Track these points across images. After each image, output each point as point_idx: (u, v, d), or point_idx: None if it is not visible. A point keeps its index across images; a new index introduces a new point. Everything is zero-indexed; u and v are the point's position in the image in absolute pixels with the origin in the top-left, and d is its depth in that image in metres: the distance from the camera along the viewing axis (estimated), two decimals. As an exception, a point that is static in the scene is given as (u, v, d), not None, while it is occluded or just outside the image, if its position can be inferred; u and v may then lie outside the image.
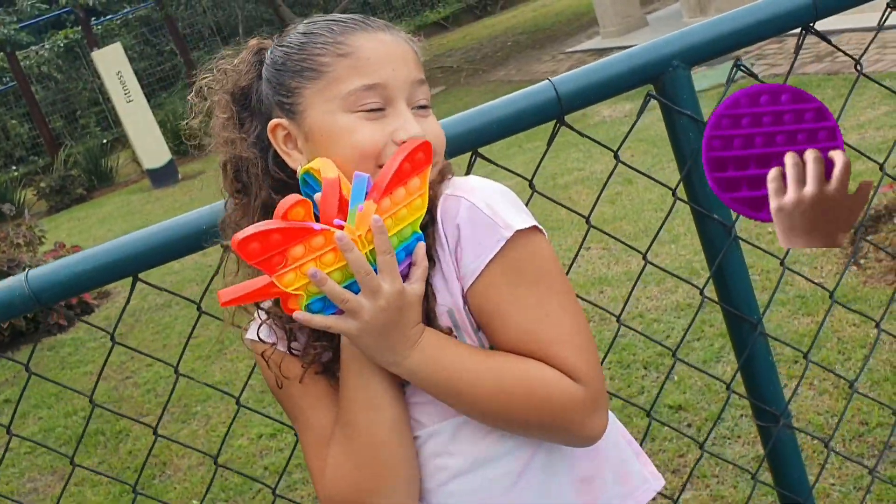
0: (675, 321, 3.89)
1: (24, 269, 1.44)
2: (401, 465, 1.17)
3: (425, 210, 1.12)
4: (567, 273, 1.24)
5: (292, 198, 1.05)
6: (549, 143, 1.46)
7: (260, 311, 1.22)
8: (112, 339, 1.45)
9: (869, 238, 4.15)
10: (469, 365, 1.12)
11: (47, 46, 17.51)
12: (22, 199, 12.99)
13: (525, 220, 1.15)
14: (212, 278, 1.38)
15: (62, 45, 17.63)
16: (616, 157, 1.50)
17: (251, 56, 1.23)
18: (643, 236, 4.88)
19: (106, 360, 1.55)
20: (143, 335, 5.87)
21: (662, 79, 1.44)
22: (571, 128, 1.45)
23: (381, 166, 1.12)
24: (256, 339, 1.23)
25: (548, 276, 1.15)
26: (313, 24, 1.19)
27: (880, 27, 1.54)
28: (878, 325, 1.73)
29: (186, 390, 4.72)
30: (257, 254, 1.03)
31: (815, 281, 3.89)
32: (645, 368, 3.61)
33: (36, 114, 15.26)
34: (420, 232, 1.12)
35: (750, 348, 1.56)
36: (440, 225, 1.15)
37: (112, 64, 11.56)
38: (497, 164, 1.48)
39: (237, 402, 1.59)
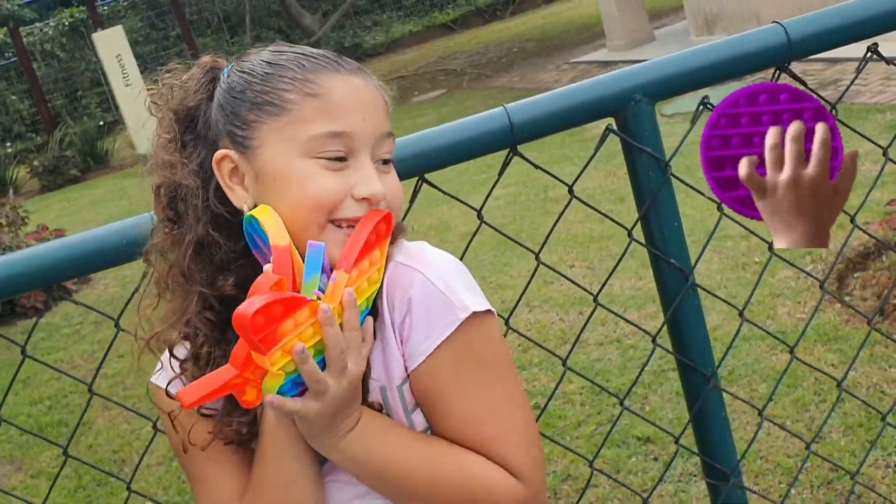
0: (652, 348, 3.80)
1: (2, 250, 1.35)
2: None
3: (380, 284, 1.05)
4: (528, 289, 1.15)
5: (271, 277, 0.97)
6: (501, 173, 1.37)
7: (173, 359, 1.11)
8: (23, 351, 1.37)
9: (856, 275, 4.08)
10: (408, 454, 1.05)
11: (52, 24, 17.42)
12: (14, 177, 12.89)
13: (480, 301, 1.08)
14: (128, 300, 1.29)
15: (67, 23, 17.54)
16: (570, 192, 1.41)
17: (202, 74, 1.12)
18: (629, 258, 4.79)
19: (16, 374, 1.46)
20: (124, 322, 5.77)
21: (624, 113, 1.36)
22: (524, 157, 1.37)
23: (332, 221, 1.04)
24: (164, 391, 1.12)
25: (497, 363, 1.09)
26: (281, 54, 1.10)
27: (859, 71, 1.46)
28: (839, 385, 1.65)
29: (154, 385, 4.63)
30: (261, 328, 0.93)
31: (797, 317, 3.82)
32: (617, 395, 3.52)
33: (36, 91, 15.17)
34: (370, 307, 1.05)
35: (702, 402, 1.48)
36: (385, 295, 1.07)
37: (112, 47, 11.48)
38: (445, 193, 1.39)
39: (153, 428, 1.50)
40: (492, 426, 1.06)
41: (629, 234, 1.42)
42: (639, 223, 1.43)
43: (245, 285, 1.02)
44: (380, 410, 1.08)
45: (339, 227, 1.05)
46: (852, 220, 1.55)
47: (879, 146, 1.57)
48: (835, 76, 7.21)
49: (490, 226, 1.42)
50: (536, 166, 1.39)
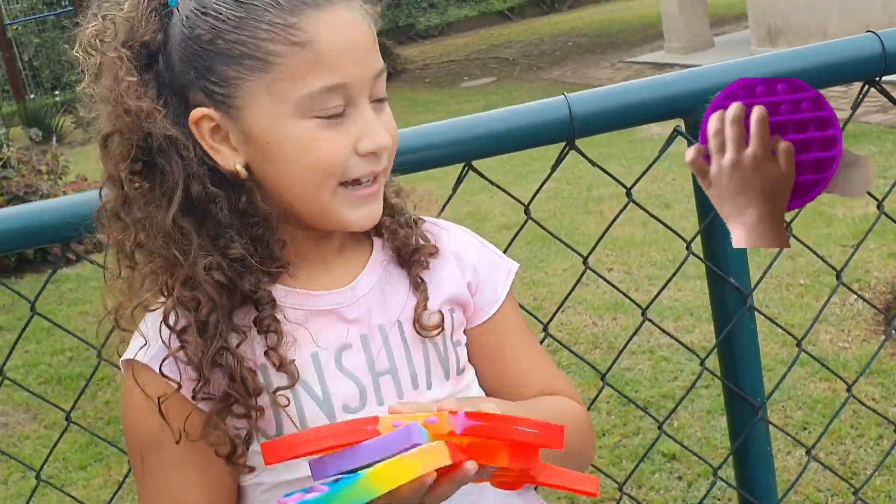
0: (685, 363, 3.67)
1: (40, 197, 1.27)
2: None
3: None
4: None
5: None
6: (554, 168, 1.27)
7: (165, 329, 0.96)
8: (32, 308, 1.29)
9: (907, 308, 3.93)
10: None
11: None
12: (59, 126, 12.93)
13: (506, 260, 1.14)
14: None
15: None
16: (628, 195, 1.31)
17: (146, 4, 0.98)
18: (670, 266, 4.66)
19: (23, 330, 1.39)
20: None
21: (695, 115, 1.25)
22: (582, 153, 1.26)
23: (342, 183, 0.94)
24: (155, 372, 0.96)
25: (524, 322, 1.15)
26: None
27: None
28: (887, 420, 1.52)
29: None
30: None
31: (839, 345, 3.67)
32: (646, 409, 3.41)
33: (91, 41, 15.22)
34: None
35: (747, 433, 1.37)
36: (452, 251, 1.08)
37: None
38: (491, 182, 1.29)
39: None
40: (548, 364, 1.13)
41: (688, 248, 1.32)
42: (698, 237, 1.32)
43: (256, 246, 0.95)
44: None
45: (347, 187, 0.96)
46: None
47: None
48: (898, 99, 7.00)
49: (537, 223, 1.32)
50: (594, 164, 1.29)
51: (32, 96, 15.36)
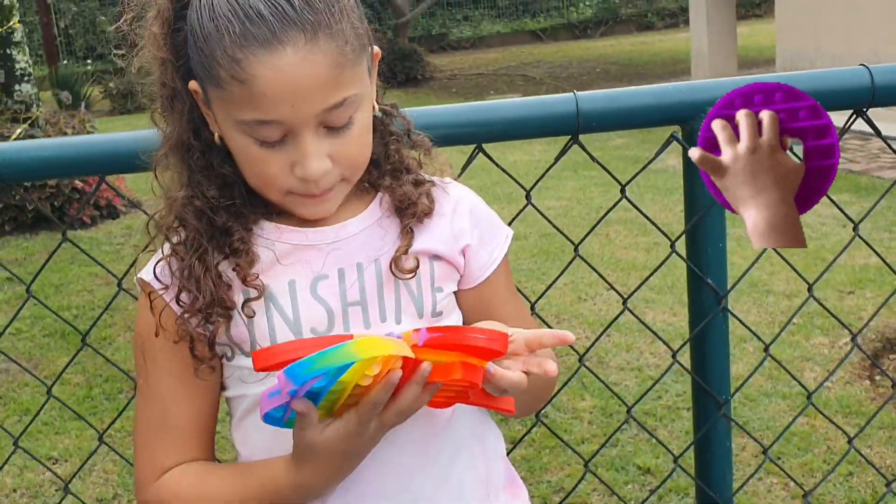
0: (671, 384, 3.77)
1: None
2: None
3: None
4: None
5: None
6: (557, 159, 1.37)
7: (167, 243, 1.12)
8: (28, 291, 1.40)
9: (893, 357, 4.01)
10: None
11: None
12: (88, 94, 13.11)
13: (503, 226, 1.24)
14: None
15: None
16: (622, 192, 1.41)
17: None
18: (667, 291, 4.76)
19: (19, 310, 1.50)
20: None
21: (691, 123, 1.35)
22: (584, 149, 1.36)
23: (289, 192, 1.07)
24: (152, 277, 1.13)
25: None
26: (224, 3, 1.01)
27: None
28: (849, 441, 1.62)
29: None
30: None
31: (824, 385, 3.76)
32: (627, 422, 3.50)
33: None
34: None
35: (710, 427, 1.47)
36: (453, 211, 1.17)
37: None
38: (499, 166, 1.39)
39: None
40: (532, 324, 1.23)
41: (672, 247, 1.41)
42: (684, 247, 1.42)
43: (226, 192, 1.11)
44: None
45: (293, 196, 1.08)
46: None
47: None
48: (913, 158, 7.08)
49: (536, 209, 1.42)
50: (593, 158, 1.39)
51: (65, 62, 15.52)
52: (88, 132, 6.90)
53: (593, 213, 6.31)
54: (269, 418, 1.00)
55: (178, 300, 1.10)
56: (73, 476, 1.80)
